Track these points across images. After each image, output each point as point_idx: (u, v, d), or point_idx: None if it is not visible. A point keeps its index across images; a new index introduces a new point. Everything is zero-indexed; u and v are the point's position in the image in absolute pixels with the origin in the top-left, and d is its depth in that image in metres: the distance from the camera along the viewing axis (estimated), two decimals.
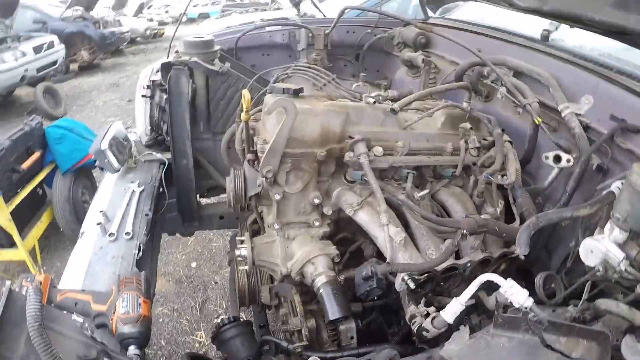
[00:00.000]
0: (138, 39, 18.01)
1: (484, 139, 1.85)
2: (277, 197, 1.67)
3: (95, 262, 1.88)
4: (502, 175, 1.70)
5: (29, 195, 4.28)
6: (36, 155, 4.30)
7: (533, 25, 2.42)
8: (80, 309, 1.43)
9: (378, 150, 1.66)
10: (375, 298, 1.85)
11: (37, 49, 9.53)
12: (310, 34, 3.08)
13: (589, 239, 1.27)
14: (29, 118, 4.42)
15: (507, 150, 1.78)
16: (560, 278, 1.54)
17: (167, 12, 24.44)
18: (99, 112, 9.41)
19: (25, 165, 4.13)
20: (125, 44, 16.02)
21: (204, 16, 20.74)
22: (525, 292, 1.19)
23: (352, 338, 1.78)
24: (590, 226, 1.50)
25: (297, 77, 2.27)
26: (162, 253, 4.43)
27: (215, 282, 4.09)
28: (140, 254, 1.95)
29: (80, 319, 1.36)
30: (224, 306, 3.79)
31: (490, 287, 1.31)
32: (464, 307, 1.30)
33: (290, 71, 2.27)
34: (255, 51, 3.35)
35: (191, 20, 22.40)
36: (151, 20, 19.30)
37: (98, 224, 2.02)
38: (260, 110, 1.91)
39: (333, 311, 1.52)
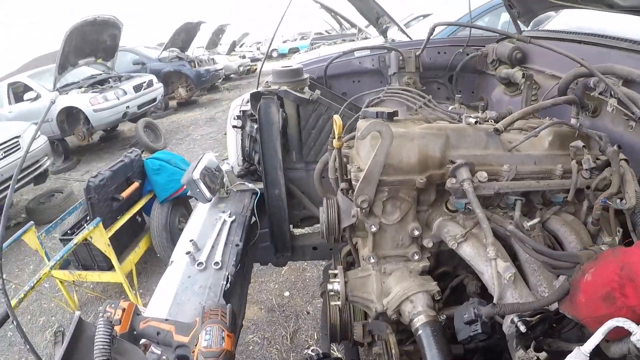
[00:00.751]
0: (232, 75, 18.93)
1: (597, 159, 1.62)
2: (373, 228, 1.55)
3: (182, 291, 1.86)
4: (620, 199, 1.47)
5: (128, 222, 4.54)
6: (135, 185, 4.56)
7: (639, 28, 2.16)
8: (162, 339, 1.39)
9: (482, 175, 1.49)
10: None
11: (137, 88, 10.33)
12: (401, 57, 2.98)
13: None
14: (129, 150, 4.70)
15: (623, 171, 1.54)
16: None
17: (258, 49, 25.54)
18: (197, 145, 9.85)
19: (125, 194, 4.38)
20: (220, 80, 16.86)
21: (294, 51, 21.43)
22: None
23: None
24: None
25: (390, 101, 2.17)
26: (255, 281, 4.46)
27: (308, 313, 4.01)
28: (228, 285, 1.90)
29: (158, 351, 1.33)
30: (315, 337, 3.68)
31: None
32: (587, 358, 1.09)
33: (382, 95, 2.17)
34: (345, 78, 3.31)
35: (282, 56, 23.19)
36: (243, 57, 20.20)
37: (187, 253, 2.01)
38: (353, 138, 1.83)
39: (432, 356, 1.36)
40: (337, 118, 1.59)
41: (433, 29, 2.56)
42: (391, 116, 1.62)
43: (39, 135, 7.27)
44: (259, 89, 2.57)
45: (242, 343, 3.67)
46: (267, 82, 2.66)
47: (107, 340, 1.02)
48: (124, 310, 1.36)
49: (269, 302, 4.19)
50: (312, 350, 1.96)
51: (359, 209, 1.52)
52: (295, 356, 3.52)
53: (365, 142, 1.54)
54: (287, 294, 4.32)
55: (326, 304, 2.38)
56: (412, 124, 1.70)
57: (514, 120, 1.64)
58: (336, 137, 1.62)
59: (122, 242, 4.58)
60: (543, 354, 1.26)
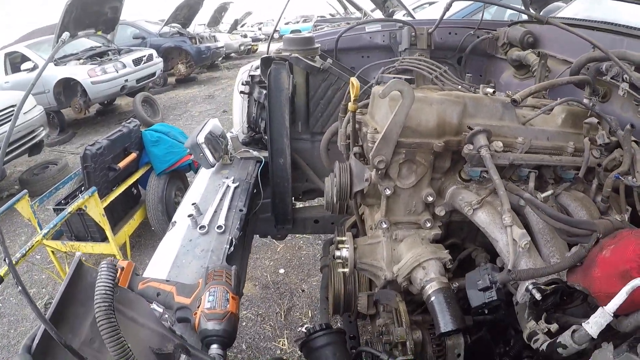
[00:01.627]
0: (232, 54, 18.78)
1: (609, 142, 1.61)
2: (388, 192, 1.51)
3: (183, 254, 1.81)
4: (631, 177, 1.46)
5: (123, 194, 4.51)
6: (132, 156, 4.52)
7: None
8: (162, 300, 1.33)
9: (498, 145, 1.46)
10: (486, 312, 1.67)
11: (137, 62, 10.25)
12: (413, 33, 2.94)
13: None
14: (128, 120, 4.63)
15: (634, 151, 1.53)
16: None
17: (260, 29, 25.35)
18: (194, 122, 9.78)
19: (122, 164, 4.35)
20: (220, 58, 16.74)
21: (296, 32, 21.20)
22: None
23: (459, 356, 1.60)
24: None
25: (404, 72, 2.12)
26: (250, 258, 4.43)
27: (303, 290, 4.00)
28: (232, 248, 1.85)
29: (160, 309, 1.26)
30: (310, 315, 3.68)
31: None
32: (612, 318, 1.07)
33: (397, 64, 2.13)
34: (354, 53, 3.26)
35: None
36: (245, 36, 20.06)
37: (189, 215, 1.96)
38: (366, 106, 1.79)
39: (445, 322, 1.34)
40: (354, 80, 1.56)
41: (450, 5, 2.52)
42: (409, 82, 1.58)
43: (34, 106, 7.19)
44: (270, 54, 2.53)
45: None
46: (277, 49, 2.61)
47: (110, 285, 0.95)
48: (122, 269, 1.29)
49: (264, 279, 4.19)
50: (305, 328, 1.93)
51: (373, 171, 1.48)
52: (289, 333, 3.52)
53: (383, 104, 1.50)
54: (282, 271, 4.31)
55: (326, 277, 2.36)
56: (430, 91, 1.67)
57: (530, 93, 1.62)
58: (352, 99, 1.59)
59: (117, 214, 4.55)
60: (554, 326, 1.24)
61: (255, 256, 4.51)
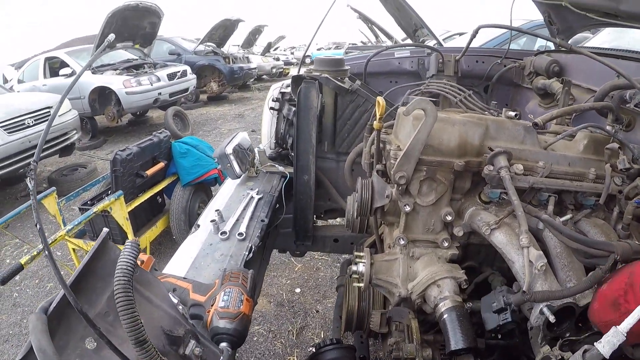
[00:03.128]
0: (264, 76, 19.07)
1: (630, 167, 1.61)
2: (407, 208, 1.54)
3: (203, 256, 1.86)
4: None
5: (148, 201, 4.62)
6: (160, 165, 4.64)
7: None
8: (177, 295, 1.36)
9: (519, 167, 1.49)
10: (500, 337, 1.66)
11: (171, 76, 10.53)
12: (441, 59, 2.98)
13: None
14: (159, 131, 4.75)
15: None
16: None
17: (292, 53, 25.71)
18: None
19: (149, 172, 4.46)
20: (252, 79, 17.01)
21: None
22: None
23: None
24: None
25: (430, 96, 2.17)
26: (267, 274, 4.45)
27: (317, 311, 3.98)
28: (251, 255, 1.89)
29: (175, 299, 1.30)
30: (322, 336, 3.66)
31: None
32: (624, 338, 1.06)
33: (424, 87, 2.17)
34: (383, 77, 3.31)
35: None
36: (277, 59, 20.34)
37: (212, 221, 2.02)
38: (391, 127, 1.83)
39: (456, 340, 1.34)
40: (380, 99, 1.60)
41: (477, 31, 2.56)
42: (434, 104, 1.62)
43: (69, 110, 7.43)
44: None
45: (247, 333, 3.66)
46: (309, 69, 2.68)
47: (132, 262, 0.98)
48: (142, 262, 1.34)
49: (279, 297, 4.19)
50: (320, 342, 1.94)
51: (394, 188, 1.51)
52: (300, 352, 3.50)
53: (407, 123, 1.54)
54: (298, 290, 4.31)
55: (342, 296, 2.37)
56: (454, 112, 1.70)
57: (552, 117, 1.64)
58: (377, 118, 1.63)
59: (140, 220, 4.65)
60: (569, 354, 1.23)
61: (273, 274, 4.52)
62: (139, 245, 1.07)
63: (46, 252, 0.93)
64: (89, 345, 0.94)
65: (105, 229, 1.12)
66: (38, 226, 0.96)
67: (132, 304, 0.90)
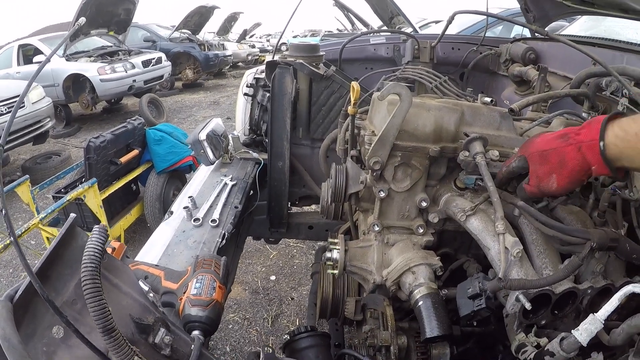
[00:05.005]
0: (240, 63, 18.89)
1: None
2: (382, 194, 1.52)
3: (176, 243, 1.83)
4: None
5: (122, 188, 4.55)
6: (135, 152, 4.58)
7: None
8: (149, 283, 1.33)
9: (494, 153, 1.47)
10: (475, 324, 1.65)
11: (146, 63, 10.41)
12: (416, 46, 2.97)
13: None
14: (133, 118, 4.68)
15: None
16: None
17: (268, 40, 25.49)
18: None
19: (124, 159, 4.40)
20: (227, 66, 16.89)
21: None
22: None
23: None
24: None
25: (405, 82, 2.14)
26: (242, 262, 4.42)
27: (292, 299, 3.98)
28: (224, 242, 1.86)
29: (145, 287, 1.27)
30: (297, 323, 3.66)
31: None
32: (602, 325, 1.06)
33: (399, 73, 2.15)
34: (358, 64, 3.29)
35: None
36: (253, 47, 20.17)
37: (185, 207, 1.98)
38: (365, 112, 1.80)
39: (431, 327, 1.33)
40: (355, 84, 1.57)
41: (453, 17, 2.54)
42: (409, 89, 1.59)
43: (43, 97, 7.29)
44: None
45: (222, 321, 3.58)
46: (283, 54, 2.64)
47: (100, 248, 0.94)
48: (113, 249, 1.29)
49: (254, 284, 4.17)
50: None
51: (369, 173, 1.49)
52: (275, 340, 3.49)
53: (382, 108, 1.51)
54: (273, 278, 4.30)
55: (317, 283, 2.35)
56: (429, 98, 1.69)
57: (528, 103, 1.65)
58: (352, 103, 1.60)
59: (115, 208, 4.58)
60: (544, 340, 1.23)
61: (248, 261, 4.50)
62: (107, 230, 1.03)
63: (11, 237, 0.89)
64: (57, 334, 0.91)
65: (73, 215, 1.07)
66: (3, 211, 0.92)
67: (99, 291, 0.87)
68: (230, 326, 3.62)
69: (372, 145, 1.41)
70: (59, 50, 9.19)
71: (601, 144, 1.04)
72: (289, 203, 2.94)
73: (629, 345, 1.15)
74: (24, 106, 6.62)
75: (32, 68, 9.51)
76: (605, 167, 1.07)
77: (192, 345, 1.09)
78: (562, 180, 1.17)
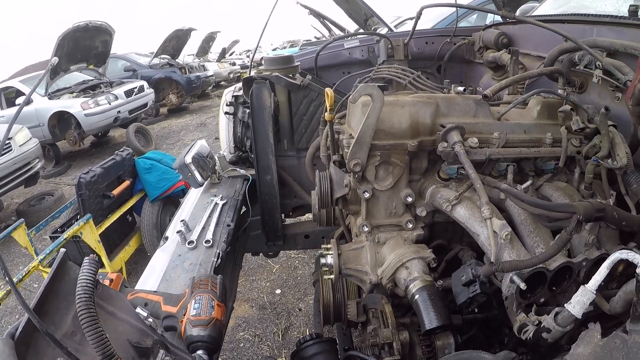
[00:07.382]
0: (222, 82, 18.88)
1: (586, 127, 1.62)
2: (367, 194, 1.54)
3: (172, 268, 1.85)
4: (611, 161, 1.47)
5: (118, 221, 4.52)
6: (126, 183, 4.56)
7: (619, 4, 2.20)
8: (150, 309, 1.35)
9: (473, 141, 1.49)
10: (476, 310, 1.66)
11: (128, 93, 10.41)
12: (390, 45, 2.99)
13: None
14: (121, 149, 4.68)
15: (613, 135, 1.53)
16: None
17: (248, 56, 25.48)
18: None
19: (116, 192, 4.38)
20: (210, 87, 16.85)
21: None
22: None
23: None
24: None
25: (380, 81, 2.17)
26: (246, 279, 4.43)
27: (300, 310, 3.97)
28: (219, 261, 1.89)
29: (144, 313, 1.28)
30: (308, 333, 3.65)
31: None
32: (595, 296, 1.07)
33: (372, 74, 2.18)
34: (335, 70, 3.31)
35: None
36: (233, 64, 20.17)
37: (178, 232, 1.99)
38: (344, 117, 1.83)
39: (430, 319, 1.34)
40: (329, 91, 1.59)
41: (420, 12, 2.57)
42: (382, 89, 1.61)
43: (30, 138, 7.27)
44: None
45: (233, 340, 3.63)
46: (259, 69, 2.66)
47: (92, 279, 0.97)
48: (111, 281, 1.32)
49: (260, 300, 4.16)
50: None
51: (351, 174, 1.51)
52: (287, 352, 3.48)
53: (357, 110, 1.54)
54: (278, 291, 4.29)
55: (319, 290, 2.36)
56: (404, 94, 1.71)
57: (501, 87, 1.66)
58: (328, 109, 1.62)
59: (113, 241, 4.56)
60: (545, 317, 1.24)
61: (252, 278, 4.50)
62: (97, 261, 1.05)
63: (6, 277, 0.91)
64: None
65: (63, 249, 1.09)
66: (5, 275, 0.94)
67: (95, 320, 0.90)
68: (242, 344, 3.61)
69: (350, 147, 1.43)
70: (41, 89, 9.23)
71: None
72: (283, 215, 2.96)
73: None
74: (11, 150, 6.59)
75: (15, 111, 9.45)
76: None
77: None
78: None
